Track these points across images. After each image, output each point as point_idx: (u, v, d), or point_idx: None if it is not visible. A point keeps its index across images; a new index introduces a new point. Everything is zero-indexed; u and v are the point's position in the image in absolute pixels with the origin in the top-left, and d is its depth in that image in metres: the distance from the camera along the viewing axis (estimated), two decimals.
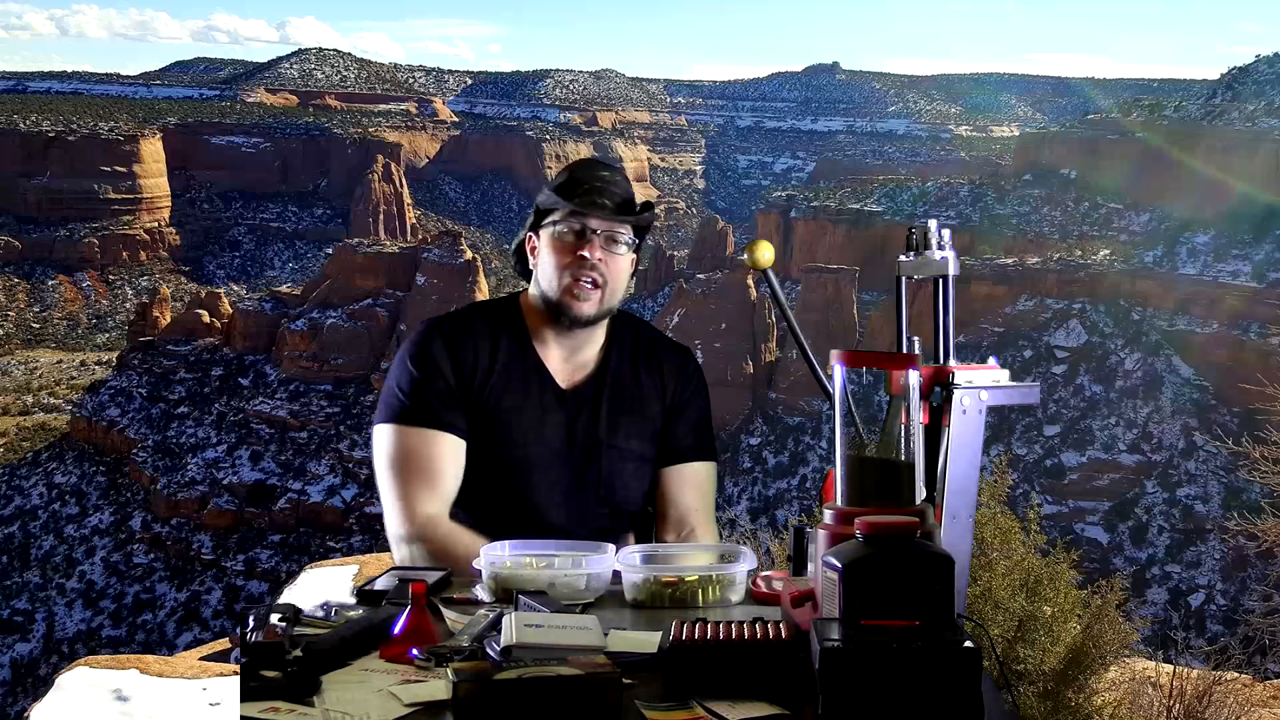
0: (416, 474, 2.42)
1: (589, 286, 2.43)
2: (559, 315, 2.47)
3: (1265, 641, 6.47)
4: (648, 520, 2.63)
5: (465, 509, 2.46)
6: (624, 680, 1.49)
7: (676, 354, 2.65)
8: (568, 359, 2.53)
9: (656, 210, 2.60)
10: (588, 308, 2.44)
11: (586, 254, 2.41)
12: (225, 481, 73.18)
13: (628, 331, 2.61)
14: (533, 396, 2.50)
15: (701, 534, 2.57)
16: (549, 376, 2.52)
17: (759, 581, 2.04)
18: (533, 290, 2.54)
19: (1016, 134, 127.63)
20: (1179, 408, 66.53)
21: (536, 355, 2.52)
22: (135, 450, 76.61)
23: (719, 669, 1.55)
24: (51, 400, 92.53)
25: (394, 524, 2.43)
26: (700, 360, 2.85)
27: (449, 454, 2.44)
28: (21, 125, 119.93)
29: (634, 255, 2.51)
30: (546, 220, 2.48)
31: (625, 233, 2.45)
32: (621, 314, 2.59)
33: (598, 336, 2.54)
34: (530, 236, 2.53)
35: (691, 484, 2.60)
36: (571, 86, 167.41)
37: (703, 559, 2.11)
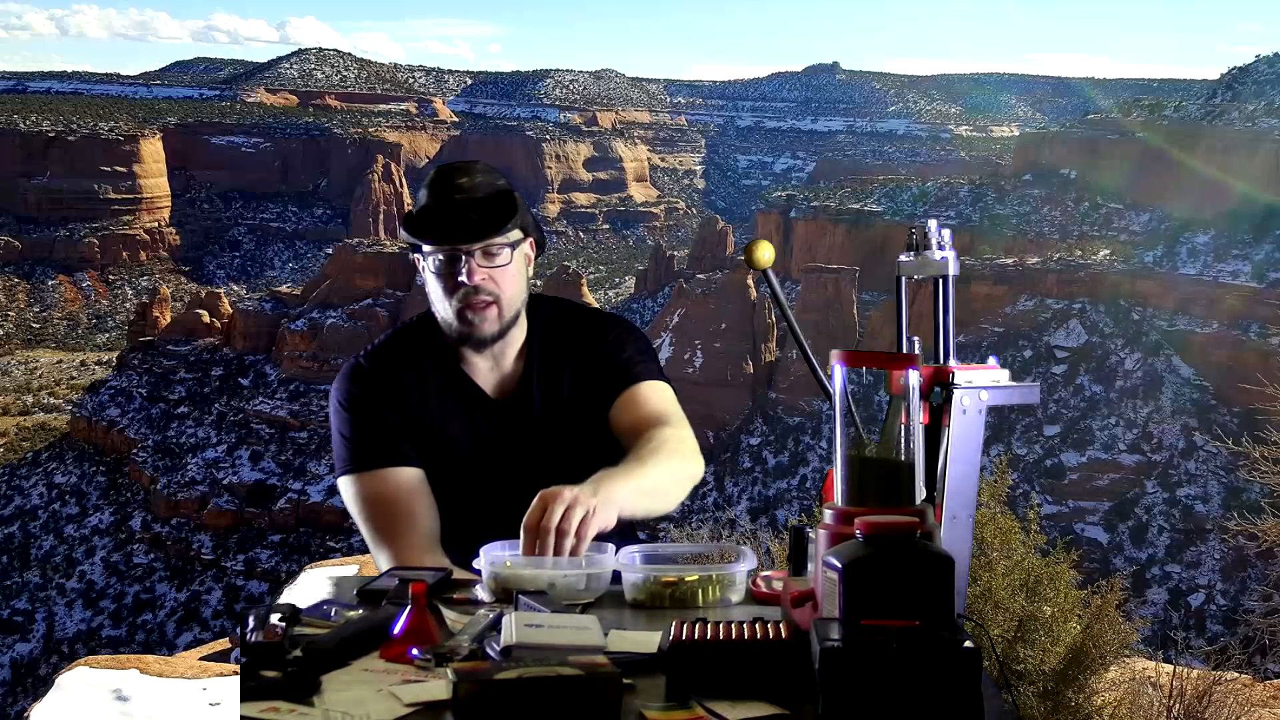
0: (391, 522, 2.32)
1: (481, 309, 2.31)
2: (464, 341, 2.37)
3: (1265, 641, 6.47)
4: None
5: (453, 550, 2.33)
6: (624, 680, 1.49)
7: (591, 328, 2.50)
8: (494, 368, 2.43)
9: (519, 196, 2.39)
10: (487, 327, 2.33)
11: (465, 280, 2.28)
12: (225, 481, 73.24)
13: (549, 326, 2.49)
14: (472, 418, 2.41)
15: (665, 427, 2.35)
16: (481, 394, 2.42)
17: (759, 581, 2.03)
18: (435, 313, 2.41)
19: (1016, 134, 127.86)
20: (1179, 408, 66.57)
21: (464, 374, 2.42)
22: (135, 450, 76.69)
23: (719, 669, 1.55)
24: (51, 400, 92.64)
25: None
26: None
27: (416, 489, 2.34)
28: (21, 125, 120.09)
29: (525, 249, 2.38)
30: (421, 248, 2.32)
31: (501, 240, 2.31)
32: (535, 301, 2.48)
33: (516, 338, 2.43)
34: (416, 257, 2.35)
35: (643, 400, 2.42)
36: (571, 86, 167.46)
37: (702, 559, 2.10)
